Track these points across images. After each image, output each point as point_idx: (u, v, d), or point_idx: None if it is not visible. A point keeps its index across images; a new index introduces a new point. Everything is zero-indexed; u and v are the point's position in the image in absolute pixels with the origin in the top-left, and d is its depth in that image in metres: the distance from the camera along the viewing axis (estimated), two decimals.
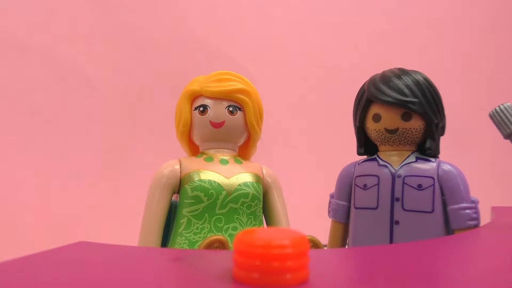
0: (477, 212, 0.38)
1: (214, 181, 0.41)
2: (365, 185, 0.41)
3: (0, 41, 0.78)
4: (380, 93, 0.39)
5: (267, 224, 0.46)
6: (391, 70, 0.41)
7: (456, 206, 0.38)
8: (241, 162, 0.45)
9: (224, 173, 0.42)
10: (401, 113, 0.39)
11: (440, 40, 1.12)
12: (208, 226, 0.41)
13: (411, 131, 0.40)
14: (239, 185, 0.42)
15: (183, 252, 0.26)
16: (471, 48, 1.14)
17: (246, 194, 0.42)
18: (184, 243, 0.40)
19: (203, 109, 0.43)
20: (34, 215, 0.77)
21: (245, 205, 0.42)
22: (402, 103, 0.39)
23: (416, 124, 0.39)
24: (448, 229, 0.39)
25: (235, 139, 0.45)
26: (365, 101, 0.41)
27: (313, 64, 1.01)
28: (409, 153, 0.41)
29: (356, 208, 0.42)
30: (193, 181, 0.41)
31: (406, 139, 0.40)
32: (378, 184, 0.40)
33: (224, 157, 0.44)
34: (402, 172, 0.39)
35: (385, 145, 0.41)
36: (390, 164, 0.40)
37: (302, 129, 0.99)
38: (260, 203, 0.44)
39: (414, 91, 0.39)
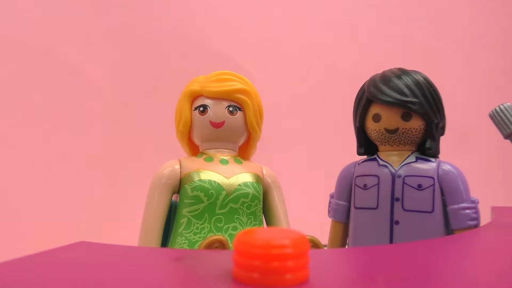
0: (477, 212, 0.38)
1: (214, 181, 0.41)
2: (365, 185, 0.41)
3: (0, 41, 0.78)
4: (380, 93, 0.39)
5: (267, 224, 0.46)
6: (391, 70, 0.41)
7: (456, 206, 0.38)
8: (241, 162, 0.45)
9: (224, 173, 0.42)
10: (401, 113, 0.39)
11: (440, 40, 1.12)
12: (208, 226, 0.41)
13: (411, 131, 0.40)
14: (239, 185, 0.42)
15: (183, 252, 0.26)
16: (471, 48, 1.14)
17: (246, 194, 0.42)
18: (184, 243, 0.40)
19: (203, 109, 0.43)
20: (34, 215, 0.77)
21: (245, 205, 0.42)
22: (402, 103, 0.39)
23: (416, 124, 0.39)
24: (448, 229, 0.39)
25: (235, 139, 0.45)
26: (365, 101, 0.41)
27: (313, 64, 1.01)
28: (409, 153, 0.41)
29: (356, 208, 0.42)
30: (193, 181, 0.41)
31: (406, 139, 0.40)
32: (378, 184, 0.40)
33: (224, 157, 0.44)
34: (402, 172, 0.39)
35: (385, 145, 0.41)
36: (390, 164, 0.40)
37: (302, 129, 0.99)
38: (260, 203, 0.44)
39: (414, 91, 0.39)
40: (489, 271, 0.22)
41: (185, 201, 0.41)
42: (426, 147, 0.40)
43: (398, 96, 0.39)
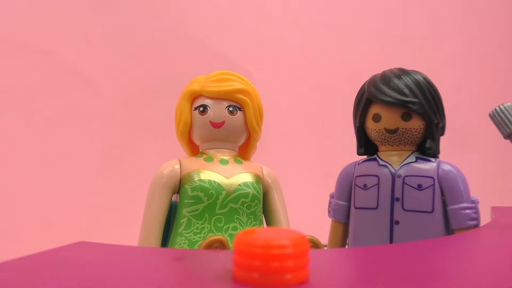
0: (477, 212, 0.38)
1: (214, 181, 0.41)
2: (365, 185, 0.41)
3: (0, 41, 0.78)
4: (380, 93, 0.39)
5: (267, 224, 0.46)
6: (391, 70, 0.41)
7: (456, 206, 0.38)
8: (241, 162, 0.45)
9: (224, 173, 0.42)
10: (401, 113, 0.39)
11: (440, 40, 1.12)
12: (208, 226, 0.41)
13: (411, 131, 0.40)
14: (239, 185, 0.42)
15: (183, 252, 0.26)
16: (471, 48, 1.14)
17: (246, 194, 0.42)
18: (184, 243, 0.40)
19: (203, 109, 0.43)
20: (33, 215, 0.77)
21: (245, 205, 0.42)
22: (402, 103, 0.39)
23: (416, 124, 0.39)
24: (448, 229, 0.39)
25: (235, 139, 0.45)
26: (365, 101, 0.41)
27: (313, 64, 1.01)
28: (409, 153, 0.41)
29: (356, 208, 0.42)
30: (193, 181, 0.41)
31: (406, 139, 0.40)
32: (378, 184, 0.40)
33: (224, 157, 0.44)
34: (402, 172, 0.39)
35: (385, 145, 0.41)
36: (390, 164, 0.40)
37: (302, 129, 0.99)
38: (260, 203, 0.44)
39: (414, 91, 0.39)
40: (489, 271, 0.22)
41: (185, 201, 0.41)
42: (426, 147, 0.40)
43: (398, 96, 0.39)
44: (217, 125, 0.43)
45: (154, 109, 0.86)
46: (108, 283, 0.19)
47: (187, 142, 0.46)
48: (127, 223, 0.59)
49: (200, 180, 0.41)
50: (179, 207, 0.42)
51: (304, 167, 0.96)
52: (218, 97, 0.43)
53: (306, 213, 0.65)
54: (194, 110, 0.44)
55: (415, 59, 1.00)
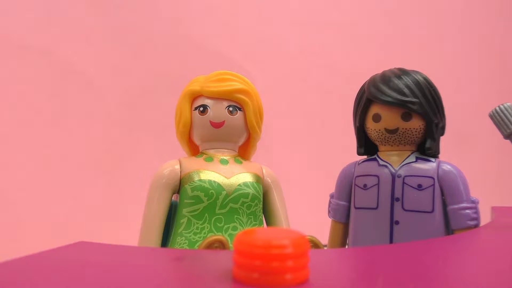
0: (477, 212, 0.38)
1: (214, 181, 0.41)
2: (365, 185, 0.41)
3: (0, 41, 0.78)
4: (380, 93, 0.39)
5: (267, 224, 0.46)
6: (391, 70, 0.41)
7: (456, 206, 0.38)
8: (241, 162, 0.45)
9: (224, 173, 0.42)
10: (401, 113, 0.39)
11: (440, 40, 1.12)
12: (208, 226, 0.41)
13: (411, 131, 0.40)
14: (239, 185, 0.42)
15: (183, 252, 0.26)
16: (471, 48, 1.14)
17: (246, 194, 0.42)
18: (184, 243, 0.40)
19: (203, 109, 0.43)
20: (34, 215, 0.77)
21: (245, 205, 0.42)
22: (402, 103, 0.39)
23: (416, 124, 0.39)
24: (448, 229, 0.39)
25: (235, 139, 0.45)
26: (365, 101, 0.41)
27: (313, 64, 1.01)
28: (409, 153, 0.41)
29: (356, 208, 0.42)
30: (193, 181, 0.41)
31: (406, 139, 0.40)
32: (378, 184, 0.40)
33: (224, 157, 0.44)
34: (402, 172, 0.39)
35: (385, 145, 0.41)
36: (390, 164, 0.40)
37: (302, 129, 0.99)
38: (260, 203, 0.44)
39: (414, 91, 0.39)
40: (489, 271, 0.22)
41: (185, 201, 0.41)
42: (426, 147, 0.40)
43: (398, 96, 0.39)
44: (217, 125, 0.43)
45: (154, 109, 0.86)
46: (108, 283, 0.19)
47: (187, 142, 0.46)
48: (127, 223, 0.59)
49: (200, 180, 0.41)
50: (179, 207, 0.42)
51: (304, 167, 0.96)
52: (218, 97, 0.43)
53: (306, 213, 0.65)
54: (194, 110, 0.44)
55: (415, 59, 1.00)
